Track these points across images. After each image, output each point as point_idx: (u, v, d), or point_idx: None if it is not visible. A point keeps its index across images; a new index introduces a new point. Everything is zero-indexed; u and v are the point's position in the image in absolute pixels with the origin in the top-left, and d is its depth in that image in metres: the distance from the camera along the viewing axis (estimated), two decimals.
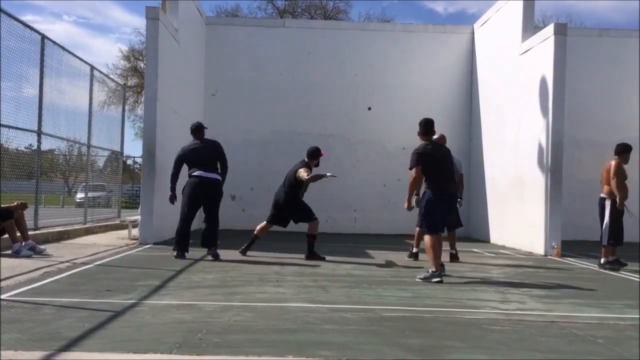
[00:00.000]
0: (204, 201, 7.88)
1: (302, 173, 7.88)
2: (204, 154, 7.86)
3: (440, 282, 6.30)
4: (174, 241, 7.93)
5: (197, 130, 8.12)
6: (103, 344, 3.48)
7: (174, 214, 11.24)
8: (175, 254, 7.81)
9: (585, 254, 9.93)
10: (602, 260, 8.01)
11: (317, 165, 8.34)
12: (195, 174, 7.79)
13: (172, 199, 8.00)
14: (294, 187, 8.04)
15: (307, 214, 8.14)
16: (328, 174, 8.00)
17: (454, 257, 8.37)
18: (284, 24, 15.88)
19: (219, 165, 7.95)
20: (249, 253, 8.24)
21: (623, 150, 7.97)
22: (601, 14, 59.44)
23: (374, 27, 16.72)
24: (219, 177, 7.87)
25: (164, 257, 7.88)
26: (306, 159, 8.24)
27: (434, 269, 6.42)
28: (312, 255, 8.08)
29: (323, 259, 7.98)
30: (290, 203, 8.10)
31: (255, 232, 8.35)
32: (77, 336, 3.61)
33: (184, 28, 11.51)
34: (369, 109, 13.80)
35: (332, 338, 3.79)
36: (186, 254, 7.79)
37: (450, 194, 6.82)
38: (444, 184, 6.69)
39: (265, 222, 8.35)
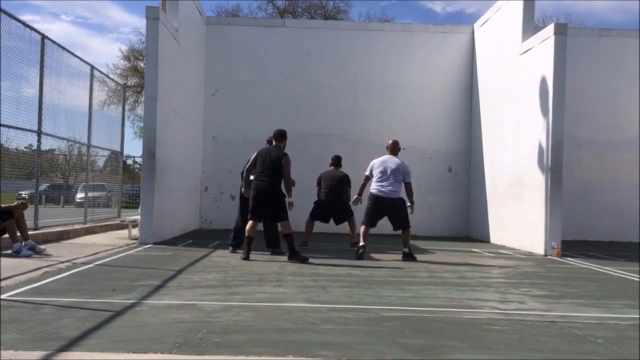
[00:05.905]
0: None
1: (287, 166, 7.84)
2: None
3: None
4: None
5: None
6: (103, 344, 3.48)
7: (174, 214, 11.33)
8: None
9: (585, 254, 9.94)
10: None
11: (284, 147, 8.11)
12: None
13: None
14: (277, 170, 7.84)
15: (284, 212, 7.88)
16: (290, 199, 7.90)
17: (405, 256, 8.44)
18: (284, 24, 15.86)
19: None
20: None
21: None
22: (600, 14, 59.52)
23: (374, 27, 16.70)
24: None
25: (164, 257, 7.90)
26: (275, 142, 8.07)
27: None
28: (294, 255, 7.73)
29: (306, 260, 7.66)
30: (273, 194, 7.86)
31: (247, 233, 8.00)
32: (77, 336, 3.61)
33: (184, 28, 11.51)
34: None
35: (332, 338, 3.79)
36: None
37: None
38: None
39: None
